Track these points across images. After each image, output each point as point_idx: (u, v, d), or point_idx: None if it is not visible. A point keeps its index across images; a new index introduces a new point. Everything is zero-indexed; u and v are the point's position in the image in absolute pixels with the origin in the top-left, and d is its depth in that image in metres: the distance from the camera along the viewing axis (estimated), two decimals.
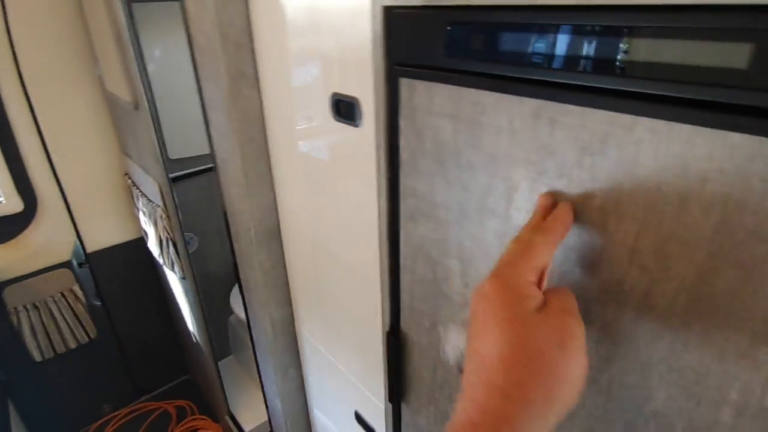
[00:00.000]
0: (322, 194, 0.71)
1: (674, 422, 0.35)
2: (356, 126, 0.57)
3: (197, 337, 1.72)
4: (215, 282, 2.03)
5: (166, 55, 1.76)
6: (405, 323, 0.61)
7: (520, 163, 0.39)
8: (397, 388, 0.67)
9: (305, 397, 1.06)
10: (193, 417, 1.95)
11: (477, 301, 0.32)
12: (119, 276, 1.90)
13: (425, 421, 0.65)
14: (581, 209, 0.36)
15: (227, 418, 1.81)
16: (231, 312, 2.02)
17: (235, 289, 1.64)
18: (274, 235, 0.86)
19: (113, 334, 1.94)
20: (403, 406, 0.69)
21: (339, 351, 0.83)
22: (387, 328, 0.64)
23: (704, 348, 0.31)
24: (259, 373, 1.16)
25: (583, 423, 0.42)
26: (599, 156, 0.33)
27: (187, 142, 1.81)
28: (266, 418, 1.41)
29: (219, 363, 1.84)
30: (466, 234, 0.47)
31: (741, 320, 0.29)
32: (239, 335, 1.96)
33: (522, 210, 0.40)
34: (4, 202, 1.61)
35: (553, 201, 0.36)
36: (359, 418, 0.83)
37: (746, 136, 0.26)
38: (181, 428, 1.89)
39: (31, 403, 1.79)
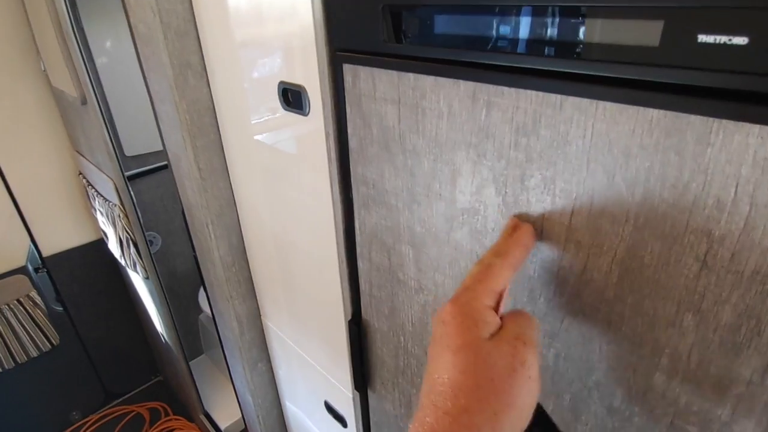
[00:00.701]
0: (279, 185, 0.70)
1: (614, 391, 0.36)
2: (305, 115, 0.56)
3: (166, 338, 1.68)
4: (183, 281, 1.99)
5: (118, 46, 1.68)
6: (366, 311, 0.62)
7: (461, 146, 0.39)
8: (362, 376, 0.67)
9: (276, 390, 1.05)
10: (168, 418, 1.92)
11: (436, 324, 0.33)
12: (80, 279, 1.83)
13: (391, 407, 0.65)
14: (520, 191, 0.36)
15: (202, 417, 1.79)
16: (201, 310, 1.98)
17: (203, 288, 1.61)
18: (233, 230, 0.85)
19: (78, 339, 1.88)
20: (370, 393, 0.69)
21: (305, 342, 0.83)
22: (349, 317, 0.64)
23: (637, 319, 0.33)
24: (228, 369, 1.15)
25: None
26: (533, 136, 0.34)
27: (144, 138, 1.75)
28: (240, 415, 1.40)
29: (191, 362, 1.81)
30: (416, 219, 0.47)
31: (667, 290, 0.30)
32: (210, 333, 1.93)
33: (466, 193, 0.41)
34: None
35: (517, 224, 0.36)
36: (329, 408, 0.84)
37: (662, 111, 0.27)
38: (155, 430, 1.86)
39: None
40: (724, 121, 0.25)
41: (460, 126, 0.38)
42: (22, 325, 1.72)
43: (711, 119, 0.25)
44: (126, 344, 2.02)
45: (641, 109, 0.28)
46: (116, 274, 1.89)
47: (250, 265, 0.90)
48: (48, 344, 1.78)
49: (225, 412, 1.76)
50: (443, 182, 0.42)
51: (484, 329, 0.31)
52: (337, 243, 0.60)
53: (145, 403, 2.00)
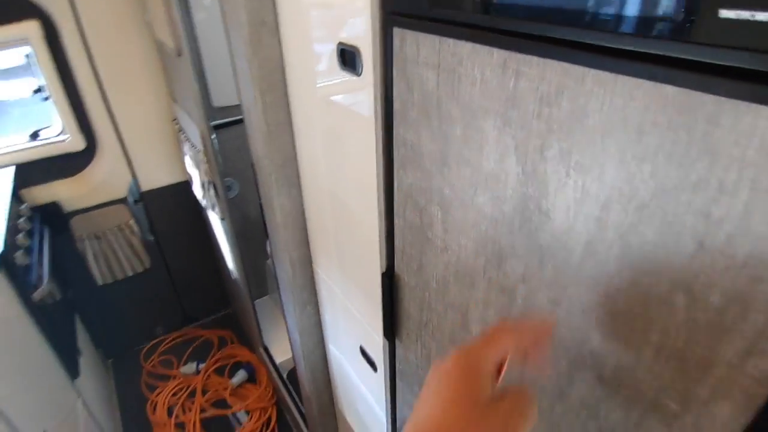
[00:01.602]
0: (334, 142, 0.75)
1: (606, 361, 0.37)
2: (358, 75, 0.59)
3: (236, 275, 1.87)
4: (255, 226, 2.16)
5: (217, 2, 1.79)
6: (398, 266, 0.66)
7: (489, 114, 0.40)
8: (391, 326, 0.72)
9: (321, 332, 1.15)
10: (233, 346, 2.15)
11: (435, 370, 0.33)
12: (170, 214, 2.07)
13: (414, 356, 0.70)
14: (538, 161, 0.37)
15: (261, 350, 1.98)
16: (268, 256, 2.16)
17: None
18: (293, 181, 0.92)
19: (164, 266, 2.14)
20: (397, 342, 0.74)
21: (348, 290, 0.90)
22: (383, 270, 0.69)
23: (633, 294, 0.33)
24: (282, 309, 1.26)
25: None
26: (555, 107, 0.34)
27: (231, 90, 1.88)
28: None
29: (256, 301, 2.00)
30: (446, 182, 0.49)
31: (662, 267, 0.31)
32: (275, 277, 2.10)
33: (491, 160, 0.42)
34: (69, 139, 1.77)
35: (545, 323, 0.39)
36: (363, 353, 0.91)
37: (677, 88, 0.27)
38: (221, 354, 2.10)
39: (95, 321, 2.04)
40: (737, 102, 0.25)
41: (491, 94, 0.40)
42: (122, 249, 2.00)
43: (724, 99, 0.25)
44: (204, 276, 2.27)
45: (658, 85, 0.28)
46: (199, 213, 2.10)
47: (306, 215, 0.97)
48: (141, 267, 2.06)
49: (281, 349, 1.94)
50: (472, 148, 0.44)
51: (482, 390, 0.31)
52: (378, 200, 0.64)
53: (215, 330, 2.25)
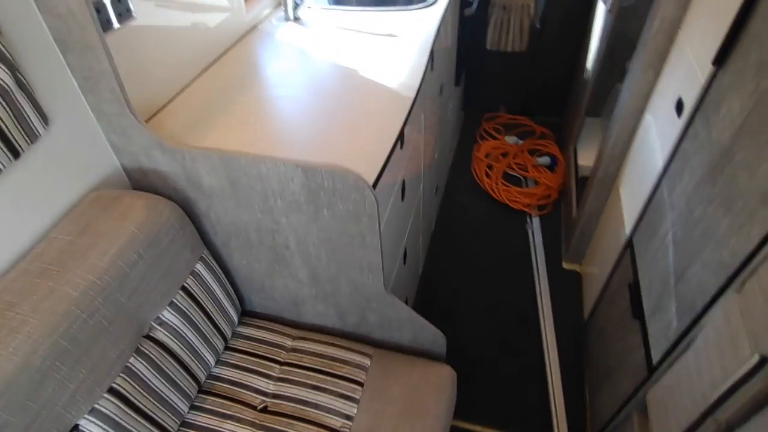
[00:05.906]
0: None
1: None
2: None
3: (588, 76, 2.10)
4: (626, 46, 2.23)
5: None
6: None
7: None
8: (724, 53, 0.87)
9: (645, 102, 1.33)
10: (548, 141, 2.53)
11: None
12: (561, 9, 2.36)
13: (728, 80, 0.85)
14: None
15: (571, 149, 2.29)
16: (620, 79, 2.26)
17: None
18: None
19: (534, 58, 2.54)
20: (720, 72, 0.89)
21: (695, 32, 1.03)
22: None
23: None
24: (609, 128, 1.47)
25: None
26: None
27: None
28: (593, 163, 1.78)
29: (588, 118, 2.23)
30: None
31: None
32: (610, 104, 2.23)
33: None
34: None
35: None
36: (678, 104, 1.08)
37: None
38: (538, 143, 2.52)
39: (469, 74, 2.71)
40: None
41: None
42: (514, 26, 2.46)
43: None
44: (554, 82, 2.59)
45: None
46: (582, 26, 2.31)
47: None
48: (519, 48, 2.52)
49: (586, 156, 2.19)
50: None
51: None
52: None
53: (540, 126, 2.65)
